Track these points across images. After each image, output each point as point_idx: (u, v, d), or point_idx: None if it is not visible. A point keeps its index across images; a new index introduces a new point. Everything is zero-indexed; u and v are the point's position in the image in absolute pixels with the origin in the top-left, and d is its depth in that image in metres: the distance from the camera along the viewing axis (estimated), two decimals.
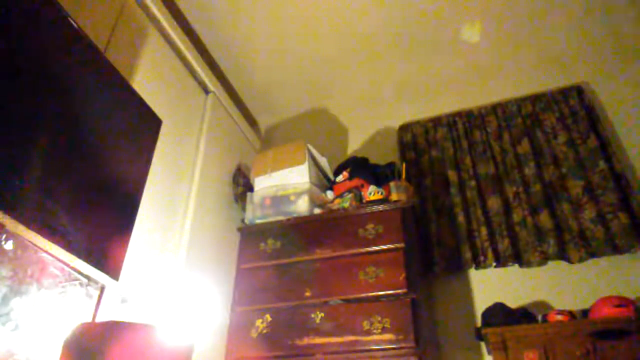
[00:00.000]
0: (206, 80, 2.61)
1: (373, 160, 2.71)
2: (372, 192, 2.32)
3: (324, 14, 2.69)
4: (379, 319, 1.95)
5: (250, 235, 2.44)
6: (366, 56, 3.01)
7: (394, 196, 2.27)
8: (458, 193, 2.62)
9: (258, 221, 2.47)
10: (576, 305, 2.13)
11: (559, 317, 1.98)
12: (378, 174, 2.51)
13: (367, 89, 3.27)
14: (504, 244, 2.39)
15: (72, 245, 1.37)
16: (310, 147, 2.62)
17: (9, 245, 1.23)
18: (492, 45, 2.93)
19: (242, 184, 2.69)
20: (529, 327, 1.98)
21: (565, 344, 1.84)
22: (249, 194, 2.59)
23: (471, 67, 3.06)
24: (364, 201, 2.35)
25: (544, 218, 2.39)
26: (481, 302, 2.32)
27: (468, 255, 2.43)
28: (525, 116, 2.76)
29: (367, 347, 1.92)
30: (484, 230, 2.45)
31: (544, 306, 2.25)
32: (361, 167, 2.58)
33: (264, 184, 2.57)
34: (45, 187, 1.30)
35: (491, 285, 2.40)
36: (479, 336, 2.10)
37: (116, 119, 1.68)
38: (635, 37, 2.80)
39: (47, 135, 1.35)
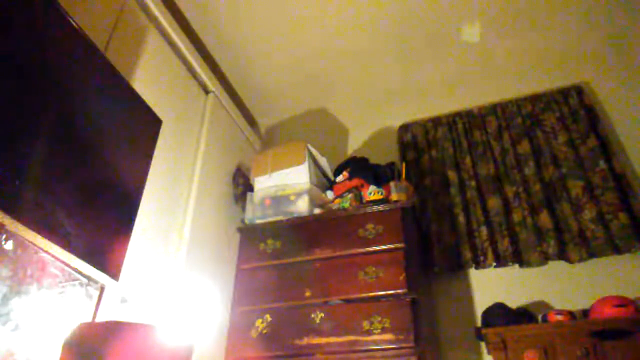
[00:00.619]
0: (206, 80, 2.61)
1: (373, 160, 2.71)
2: (372, 192, 2.32)
3: (324, 13, 2.70)
4: (379, 319, 1.95)
5: (250, 235, 2.43)
6: (366, 56, 3.01)
7: (394, 196, 2.27)
8: (458, 193, 2.62)
9: (258, 221, 2.47)
10: (576, 305, 2.13)
11: (559, 317, 1.98)
12: (378, 174, 2.51)
13: (367, 88, 3.27)
14: (504, 244, 2.39)
15: (72, 245, 1.37)
16: (310, 147, 2.62)
17: (9, 245, 1.23)
18: (492, 45, 2.93)
19: (242, 184, 2.69)
20: (529, 327, 1.98)
21: (565, 344, 1.84)
22: (249, 194, 2.59)
23: (471, 67, 3.06)
24: (364, 201, 2.35)
25: (544, 218, 2.38)
26: (481, 302, 2.32)
27: (468, 255, 2.43)
28: (525, 116, 2.76)
29: (367, 347, 1.92)
30: (484, 230, 2.46)
31: (544, 306, 2.25)
32: (361, 167, 2.58)
33: (264, 184, 2.57)
34: (45, 187, 1.31)
35: (491, 285, 2.40)
36: (479, 336, 2.10)
37: (116, 119, 1.68)
38: (635, 37, 2.80)
39: (47, 135, 1.35)
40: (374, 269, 2.07)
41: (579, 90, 2.72)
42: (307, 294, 2.13)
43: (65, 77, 1.46)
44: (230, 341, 2.17)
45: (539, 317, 2.09)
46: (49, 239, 1.30)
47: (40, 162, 1.31)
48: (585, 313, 2.04)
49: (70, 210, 1.38)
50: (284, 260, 2.27)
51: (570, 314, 2.00)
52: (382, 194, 2.30)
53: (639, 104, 2.62)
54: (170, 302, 1.92)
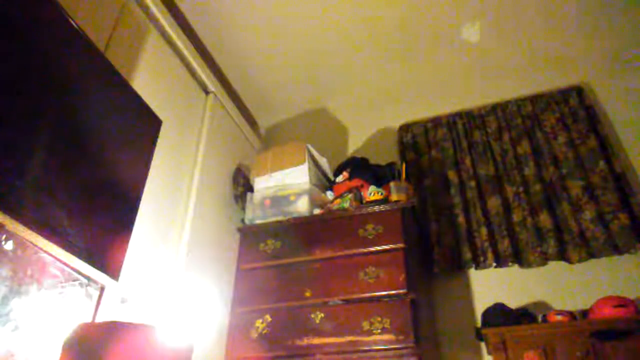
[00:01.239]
0: (206, 80, 2.61)
1: (373, 160, 2.71)
2: (372, 192, 2.32)
3: (324, 13, 2.69)
4: (379, 319, 1.95)
5: (250, 235, 2.43)
6: (366, 56, 3.01)
7: (394, 196, 2.27)
8: (458, 193, 2.62)
9: (258, 221, 2.47)
10: (576, 306, 2.13)
11: (559, 318, 1.98)
12: (378, 174, 2.51)
13: (367, 89, 3.27)
14: (504, 244, 2.39)
15: (72, 245, 1.37)
16: (310, 148, 2.62)
17: (9, 245, 1.23)
18: (492, 45, 2.93)
19: (242, 184, 2.69)
20: (529, 327, 1.98)
21: (565, 344, 1.84)
22: (248, 194, 2.59)
23: (471, 67, 3.06)
24: (364, 201, 2.35)
25: (544, 218, 2.39)
26: (481, 302, 2.32)
27: (468, 255, 2.43)
28: (525, 116, 2.76)
29: (367, 347, 1.92)
30: (484, 231, 2.46)
31: (544, 306, 2.25)
32: (361, 168, 2.58)
33: (264, 184, 2.57)
34: (45, 187, 1.30)
35: (491, 285, 2.40)
36: (479, 336, 2.10)
37: (116, 119, 1.68)
38: (635, 37, 2.80)
39: (47, 135, 1.35)
40: (374, 269, 2.07)
41: (579, 90, 2.72)
42: (307, 294, 2.13)
43: (65, 77, 1.46)
44: (230, 341, 2.17)
45: (539, 318, 2.09)
46: (49, 239, 1.29)
47: (40, 162, 1.31)
48: (585, 313, 2.04)
49: (70, 210, 1.38)
50: (284, 260, 2.27)
51: (570, 314, 2.00)
52: (382, 194, 2.30)
53: (639, 104, 2.62)
54: (170, 302, 1.92)
